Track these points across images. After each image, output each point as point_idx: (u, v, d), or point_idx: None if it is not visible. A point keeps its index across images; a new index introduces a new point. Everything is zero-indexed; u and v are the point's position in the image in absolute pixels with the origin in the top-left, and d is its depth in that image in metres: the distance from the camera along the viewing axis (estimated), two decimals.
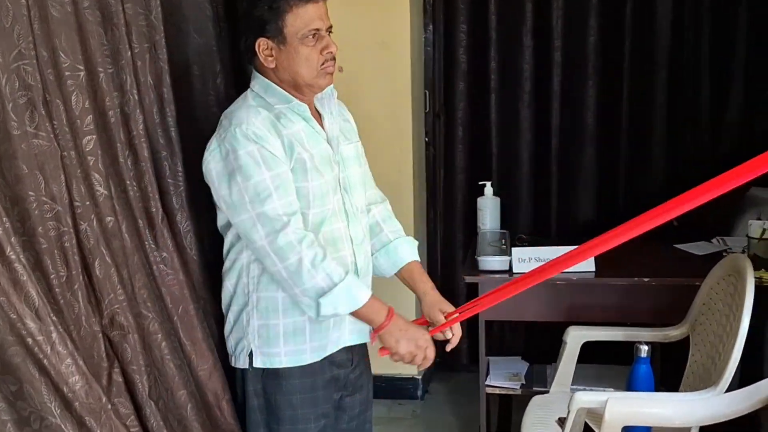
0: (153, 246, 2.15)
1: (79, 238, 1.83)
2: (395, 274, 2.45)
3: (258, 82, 2.23)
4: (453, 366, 4.29)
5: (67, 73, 1.83)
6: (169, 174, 2.26)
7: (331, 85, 2.27)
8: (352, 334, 2.31)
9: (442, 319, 2.31)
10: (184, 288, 2.22)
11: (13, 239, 1.58)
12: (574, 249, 2.13)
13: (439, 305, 2.35)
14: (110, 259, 1.93)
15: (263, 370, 2.22)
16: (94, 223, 1.89)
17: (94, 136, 1.91)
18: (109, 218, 1.95)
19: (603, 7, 3.89)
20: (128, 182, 2.07)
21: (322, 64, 2.17)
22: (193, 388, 2.20)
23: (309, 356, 2.22)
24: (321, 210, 2.19)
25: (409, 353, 2.18)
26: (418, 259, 2.47)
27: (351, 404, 2.41)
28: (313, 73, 2.17)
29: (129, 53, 2.09)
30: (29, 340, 1.60)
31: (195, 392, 2.21)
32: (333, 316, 2.12)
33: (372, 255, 2.42)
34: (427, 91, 4.11)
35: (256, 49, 2.17)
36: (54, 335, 1.64)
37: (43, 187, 1.73)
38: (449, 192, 4.22)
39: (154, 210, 2.16)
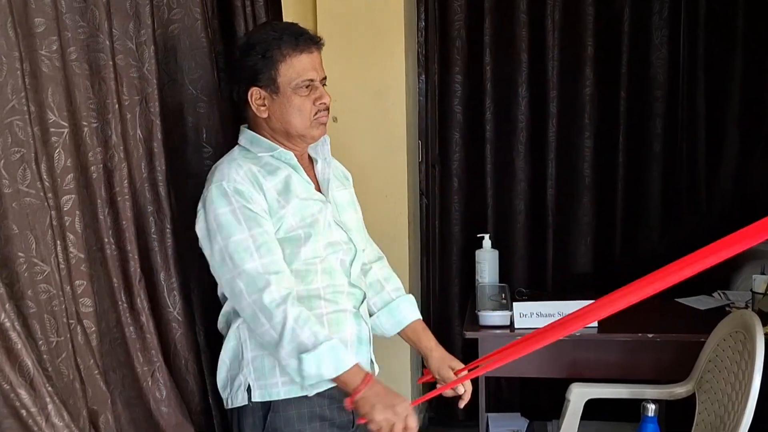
0: (126, 307, 2.07)
1: (66, 301, 1.75)
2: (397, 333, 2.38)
3: (244, 135, 2.20)
4: (449, 422, 4.18)
5: (52, 130, 1.77)
6: (155, 231, 2.19)
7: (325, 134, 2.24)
8: None
9: (452, 375, 2.26)
10: (158, 351, 2.14)
11: (7, 305, 1.51)
12: (582, 308, 2.05)
13: (448, 362, 2.31)
14: (81, 325, 1.84)
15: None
16: (76, 285, 1.81)
17: (74, 196, 1.83)
18: (78, 281, 1.85)
19: (598, 58, 3.88)
20: (106, 240, 2.00)
21: (315, 114, 2.14)
22: None
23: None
24: (312, 255, 2.12)
25: (385, 420, 1.96)
26: (420, 317, 2.41)
27: None
28: (306, 123, 2.14)
29: (117, 106, 2.02)
30: (23, 411, 1.52)
31: None
32: (316, 379, 2.01)
33: (373, 314, 2.36)
34: (420, 141, 4.07)
35: (249, 99, 2.13)
36: (50, 406, 1.56)
37: (33, 248, 1.65)
38: (445, 243, 4.15)
39: (132, 270, 2.08)
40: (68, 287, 1.78)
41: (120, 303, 2.05)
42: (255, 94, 2.13)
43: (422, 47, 4.02)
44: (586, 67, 3.88)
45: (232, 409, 2.19)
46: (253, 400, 2.12)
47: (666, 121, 3.89)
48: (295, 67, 2.10)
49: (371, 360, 2.29)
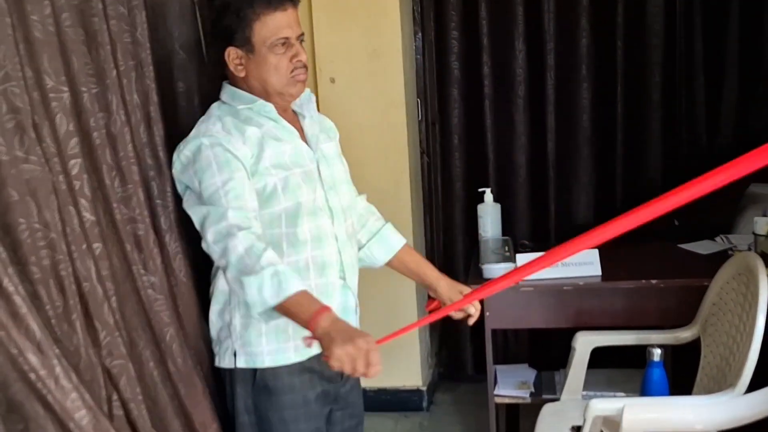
0: (142, 270, 2.08)
1: (74, 266, 1.76)
2: (388, 262, 2.44)
3: (226, 90, 2.21)
4: (457, 376, 4.25)
5: (51, 95, 1.75)
6: (158, 195, 2.19)
7: (308, 90, 2.25)
8: None
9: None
10: (172, 312, 2.16)
11: (10, 270, 1.51)
12: (576, 238, 2.01)
13: (458, 288, 2.35)
14: (101, 286, 1.85)
15: (253, 385, 2.17)
16: (85, 249, 1.82)
17: (80, 160, 1.83)
18: (96, 245, 1.86)
19: (594, 9, 3.86)
20: (115, 205, 2.00)
21: (292, 72, 2.14)
22: (184, 418, 2.14)
23: (293, 355, 2.15)
24: (294, 203, 2.12)
25: (346, 354, 1.76)
26: (405, 240, 2.48)
27: (341, 418, 2.36)
28: (283, 81, 2.14)
29: (115, 72, 2.02)
30: (32, 375, 1.53)
31: (185, 422, 2.14)
32: (261, 306, 1.90)
33: (363, 246, 2.40)
34: (419, 99, 4.07)
35: (226, 59, 2.14)
36: (57, 369, 1.57)
37: (35, 214, 1.65)
38: (447, 200, 4.17)
39: (142, 233, 2.09)
40: (85, 249, 1.80)
41: (134, 266, 2.06)
42: (231, 54, 2.13)
43: (417, 5, 4.00)
44: (582, 18, 3.86)
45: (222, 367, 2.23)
46: (238, 366, 2.16)
47: (664, 69, 3.87)
48: (268, 26, 2.09)
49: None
